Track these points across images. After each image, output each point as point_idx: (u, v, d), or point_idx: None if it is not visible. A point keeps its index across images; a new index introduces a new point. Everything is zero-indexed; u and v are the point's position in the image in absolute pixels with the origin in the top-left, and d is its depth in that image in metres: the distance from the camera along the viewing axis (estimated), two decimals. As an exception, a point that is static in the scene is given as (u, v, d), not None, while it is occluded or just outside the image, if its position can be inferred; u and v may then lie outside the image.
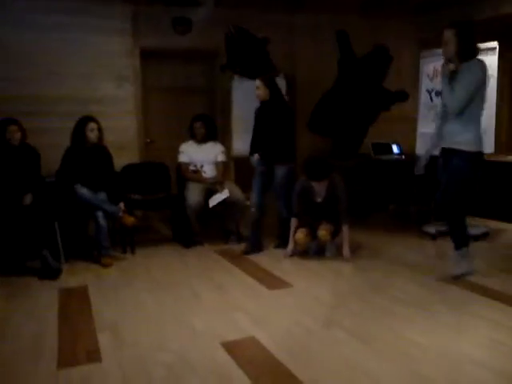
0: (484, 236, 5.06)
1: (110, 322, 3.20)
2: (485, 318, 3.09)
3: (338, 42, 5.99)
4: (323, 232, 4.43)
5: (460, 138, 3.69)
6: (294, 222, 4.58)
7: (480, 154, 3.75)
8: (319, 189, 4.48)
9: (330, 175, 4.42)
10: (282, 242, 4.79)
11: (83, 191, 4.56)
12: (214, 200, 4.98)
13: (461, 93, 3.59)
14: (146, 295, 3.69)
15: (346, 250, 4.45)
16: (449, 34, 3.64)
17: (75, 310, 3.45)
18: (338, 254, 4.49)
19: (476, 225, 5.37)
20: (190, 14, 6.04)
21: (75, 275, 4.21)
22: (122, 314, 3.34)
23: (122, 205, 4.64)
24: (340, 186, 4.46)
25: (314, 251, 4.62)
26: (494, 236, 5.15)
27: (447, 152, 3.78)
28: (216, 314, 3.29)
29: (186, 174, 5.24)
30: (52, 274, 4.12)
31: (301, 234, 4.48)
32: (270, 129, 4.70)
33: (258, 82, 4.71)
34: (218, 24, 5.88)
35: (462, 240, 3.90)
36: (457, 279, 3.78)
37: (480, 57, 4.91)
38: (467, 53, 3.63)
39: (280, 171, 4.66)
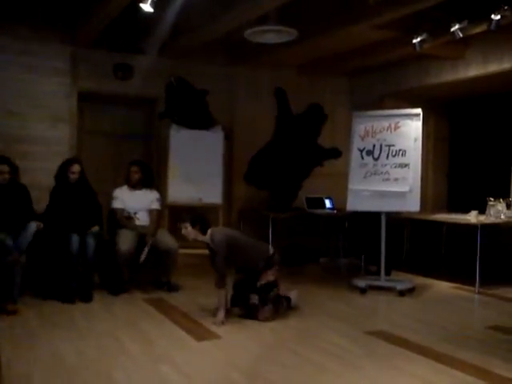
0: (410, 291, 5.23)
1: (22, 376, 2.97)
2: (406, 372, 3.14)
3: (276, 99, 6.22)
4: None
5: None
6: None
7: None
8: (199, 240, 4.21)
9: (211, 232, 4.12)
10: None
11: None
12: (142, 255, 4.91)
13: None
14: (66, 346, 3.47)
15: (218, 319, 3.99)
16: None
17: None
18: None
19: (403, 280, 5.54)
20: (132, 61, 6.09)
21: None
22: (37, 367, 3.10)
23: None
24: (215, 243, 4.09)
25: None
26: (419, 291, 5.32)
27: None
28: (141, 367, 3.15)
29: (121, 221, 5.13)
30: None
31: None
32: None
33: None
34: (159, 72, 5.96)
35: None
36: None
37: (406, 121, 5.30)
38: None
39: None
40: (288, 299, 4.39)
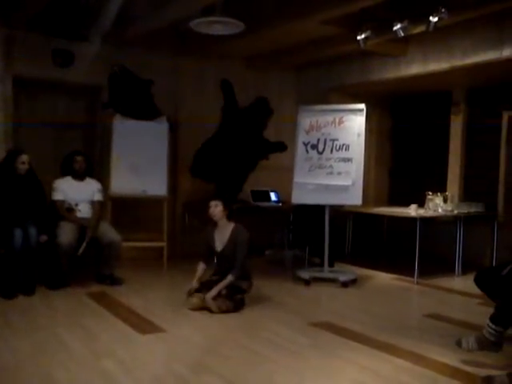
0: (352, 282, 5.36)
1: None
2: (349, 361, 3.22)
3: (222, 91, 6.18)
4: (211, 302, 4.14)
5: None
6: (200, 264, 4.42)
7: None
8: (219, 234, 4.35)
9: (236, 224, 4.36)
10: None
11: None
12: (81, 248, 4.80)
13: None
14: (0, 344, 3.31)
15: (210, 293, 4.15)
16: None
17: None
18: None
19: (345, 271, 5.68)
20: (73, 47, 5.86)
21: None
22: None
23: None
24: (242, 236, 4.31)
25: None
26: (361, 282, 5.47)
27: None
28: (82, 364, 3.05)
29: (62, 213, 4.95)
30: None
31: (197, 300, 4.23)
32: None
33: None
34: (102, 61, 5.77)
35: None
36: None
37: (350, 116, 5.40)
38: None
39: None
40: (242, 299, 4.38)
